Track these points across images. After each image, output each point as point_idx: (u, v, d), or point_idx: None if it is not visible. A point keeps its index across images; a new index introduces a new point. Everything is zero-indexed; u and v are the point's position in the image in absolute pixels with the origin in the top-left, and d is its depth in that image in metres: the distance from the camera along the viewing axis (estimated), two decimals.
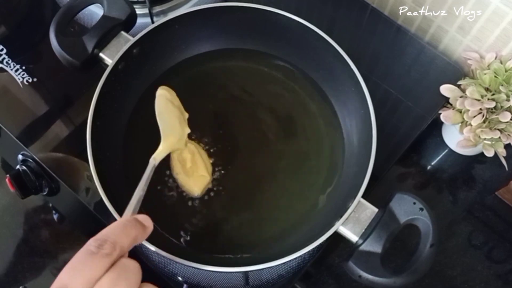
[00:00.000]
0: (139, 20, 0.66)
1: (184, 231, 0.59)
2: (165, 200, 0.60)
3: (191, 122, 0.64)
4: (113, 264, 0.33)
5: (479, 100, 0.65)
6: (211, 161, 0.62)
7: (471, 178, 0.74)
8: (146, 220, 0.39)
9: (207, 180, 0.60)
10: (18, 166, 0.71)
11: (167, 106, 0.55)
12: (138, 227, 0.37)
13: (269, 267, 0.52)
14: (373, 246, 0.53)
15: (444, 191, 0.73)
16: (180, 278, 0.63)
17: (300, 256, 0.52)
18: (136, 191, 0.45)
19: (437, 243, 0.54)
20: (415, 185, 0.73)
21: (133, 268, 0.34)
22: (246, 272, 0.63)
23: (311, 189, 0.62)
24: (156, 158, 0.52)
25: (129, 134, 0.63)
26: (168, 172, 0.61)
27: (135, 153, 0.62)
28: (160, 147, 0.53)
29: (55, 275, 0.32)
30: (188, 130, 0.56)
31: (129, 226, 0.36)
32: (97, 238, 0.34)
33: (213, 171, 0.62)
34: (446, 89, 0.68)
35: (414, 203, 0.55)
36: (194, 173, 0.61)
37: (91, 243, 0.34)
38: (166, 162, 0.62)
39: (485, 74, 0.66)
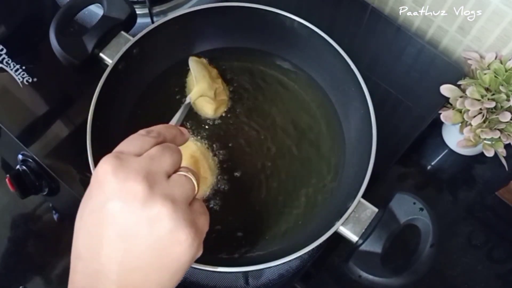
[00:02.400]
0: (139, 20, 0.66)
1: None
2: None
3: (190, 123, 0.65)
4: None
5: (479, 100, 0.65)
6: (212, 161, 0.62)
7: (471, 178, 0.74)
8: (183, 130, 0.45)
9: (208, 183, 0.61)
10: (18, 166, 0.71)
11: (197, 64, 0.65)
12: (177, 130, 0.44)
13: (269, 267, 0.52)
14: (373, 246, 0.53)
15: (444, 191, 0.73)
16: None
17: (300, 256, 0.52)
18: (174, 119, 0.54)
19: (437, 243, 0.54)
20: (415, 185, 0.73)
21: (175, 147, 0.41)
22: (246, 272, 0.63)
23: (311, 189, 0.62)
24: (192, 97, 0.62)
25: (129, 133, 0.63)
26: None
27: None
28: (194, 89, 0.62)
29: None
30: (217, 85, 0.65)
31: (170, 127, 0.44)
32: (146, 129, 0.42)
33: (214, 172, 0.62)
34: (446, 89, 0.68)
35: (414, 203, 0.55)
36: None
37: (141, 131, 0.42)
38: None
39: (485, 74, 0.66)
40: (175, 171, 0.40)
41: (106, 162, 0.37)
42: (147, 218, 0.36)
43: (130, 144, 0.40)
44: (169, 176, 0.39)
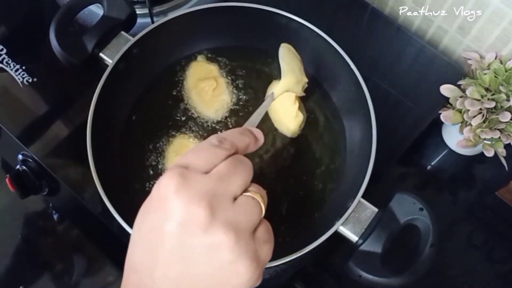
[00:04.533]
0: (139, 20, 0.66)
1: None
2: None
3: (190, 121, 0.65)
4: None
5: (479, 100, 0.65)
6: None
7: (471, 178, 0.74)
8: (258, 133, 0.42)
9: None
10: (18, 166, 0.71)
11: (289, 53, 0.59)
12: (251, 137, 0.41)
13: (269, 267, 0.52)
14: (373, 246, 0.53)
15: (444, 191, 0.73)
16: None
17: (300, 256, 0.52)
18: (254, 115, 0.48)
19: (437, 243, 0.54)
20: (415, 185, 0.73)
21: (247, 162, 0.38)
22: None
23: (311, 189, 0.62)
24: (275, 93, 0.57)
25: (129, 133, 0.63)
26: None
27: (135, 153, 0.62)
28: (280, 83, 0.57)
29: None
30: (306, 80, 0.60)
31: (245, 134, 0.41)
32: (218, 136, 0.39)
33: None
34: (446, 89, 0.68)
35: (414, 203, 0.55)
36: None
37: (213, 138, 0.38)
38: (163, 165, 0.62)
39: (485, 74, 0.66)
40: (244, 190, 0.37)
41: (170, 178, 0.34)
42: (207, 245, 0.34)
43: (198, 157, 0.37)
44: (235, 198, 0.36)
